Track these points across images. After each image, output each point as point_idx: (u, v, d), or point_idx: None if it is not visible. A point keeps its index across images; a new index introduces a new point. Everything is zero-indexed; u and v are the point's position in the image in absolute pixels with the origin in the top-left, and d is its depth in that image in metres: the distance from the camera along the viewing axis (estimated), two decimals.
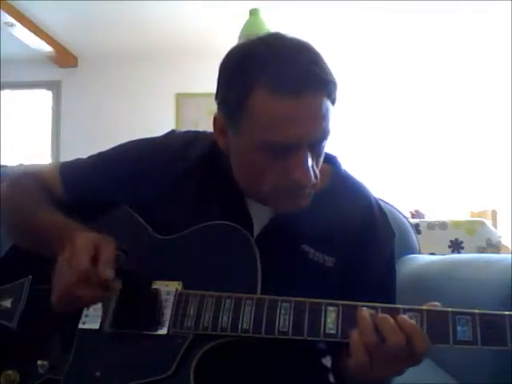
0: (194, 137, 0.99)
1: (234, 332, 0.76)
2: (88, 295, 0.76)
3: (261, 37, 0.83)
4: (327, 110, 0.79)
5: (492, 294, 1.03)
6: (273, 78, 0.76)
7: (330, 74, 0.80)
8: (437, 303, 0.73)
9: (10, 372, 0.87)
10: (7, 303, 0.93)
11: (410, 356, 0.69)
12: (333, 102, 0.81)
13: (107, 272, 0.75)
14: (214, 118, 0.87)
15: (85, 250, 0.77)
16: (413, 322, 0.70)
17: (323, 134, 0.80)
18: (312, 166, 0.80)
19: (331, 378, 0.94)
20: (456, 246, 2.41)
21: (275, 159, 0.79)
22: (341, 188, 0.95)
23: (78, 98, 5.12)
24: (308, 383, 0.93)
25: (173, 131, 1.03)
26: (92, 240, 0.79)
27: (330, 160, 0.97)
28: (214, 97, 0.86)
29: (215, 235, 0.86)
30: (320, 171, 0.85)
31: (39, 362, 0.85)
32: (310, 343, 0.74)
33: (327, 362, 0.95)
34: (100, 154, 1.02)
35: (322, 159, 0.85)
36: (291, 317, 0.75)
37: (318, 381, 0.95)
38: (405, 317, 0.71)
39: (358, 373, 0.73)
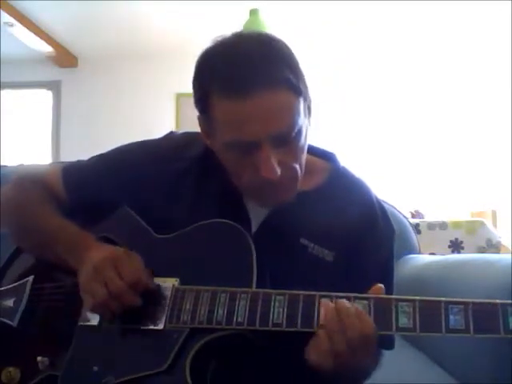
0: (193, 137, 0.99)
1: (229, 325, 0.77)
2: (137, 302, 0.81)
3: (220, 40, 0.84)
4: (287, 103, 0.80)
5: (492, 294, 1.02)
6: (223, 82, 0.80)
7: (287, 67, 0.80)
8: (380, 285, 0.75)
9: (10, 369, 0.89)
10: (10, 302, 0.96)
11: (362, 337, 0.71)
12: (299, 94, 0.81)
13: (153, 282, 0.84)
14: (198, 120, 0.90)
15: (131, 262, 0.83)
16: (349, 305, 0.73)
17: (286, 128, 0.80)
18: (283, 161, 0.81)
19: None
20: (456, 246, 2.41)
21: (245, 157, 0.82)
22: (339, 184, 0.96)
23: (78, 98, 5.12)
24: (307, 376, 0.93)
25: (171, 132, 1.05)
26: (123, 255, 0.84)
27: (328, 157, 0.99)
28: None
29: (212, 233, 0.87)
30: (316, 167, 0.87)
31: (39, 359, 0.87)
32: (310, 337, 0.74)
33: None
34: (101, 156, 1.03)
35: (302, 153, 0.86)
36: (285, 309, 0.76)
37: (317, 375, 0.95)
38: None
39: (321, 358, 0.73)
